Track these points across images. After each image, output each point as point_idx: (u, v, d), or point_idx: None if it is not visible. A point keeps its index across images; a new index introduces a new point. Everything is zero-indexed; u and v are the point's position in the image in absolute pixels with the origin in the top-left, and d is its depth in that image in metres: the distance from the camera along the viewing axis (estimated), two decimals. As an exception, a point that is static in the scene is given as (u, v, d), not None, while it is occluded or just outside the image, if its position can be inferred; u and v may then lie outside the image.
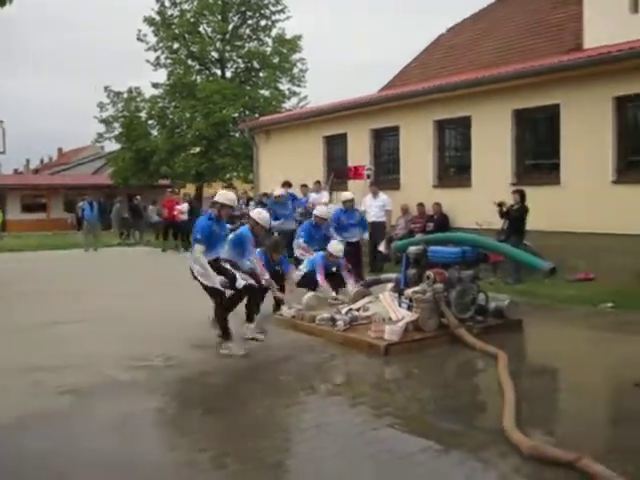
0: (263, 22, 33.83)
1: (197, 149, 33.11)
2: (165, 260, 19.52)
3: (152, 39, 33.34)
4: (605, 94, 12.59)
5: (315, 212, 11.25)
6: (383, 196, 15.41)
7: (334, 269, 10.05)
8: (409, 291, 8.43)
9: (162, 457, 4.85)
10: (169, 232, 22.27)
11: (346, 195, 12.54)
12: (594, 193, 12.68)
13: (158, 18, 32.93)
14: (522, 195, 12.86)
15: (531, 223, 12.80)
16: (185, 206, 21.55)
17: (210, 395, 6.31)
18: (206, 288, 7.65)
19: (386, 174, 17.67)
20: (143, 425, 5.49)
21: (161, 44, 33.43)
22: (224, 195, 8.01)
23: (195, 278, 7.72)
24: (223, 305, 7.68)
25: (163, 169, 32.56)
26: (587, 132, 12.84)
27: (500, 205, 12.85)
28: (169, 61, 33.73)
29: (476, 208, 14.15)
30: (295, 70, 34.07)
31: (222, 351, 7.55)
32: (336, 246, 10.06)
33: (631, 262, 12.03)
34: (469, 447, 4.80)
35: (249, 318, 8.18)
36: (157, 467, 4.64)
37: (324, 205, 14.69)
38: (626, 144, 12.60)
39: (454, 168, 16.40)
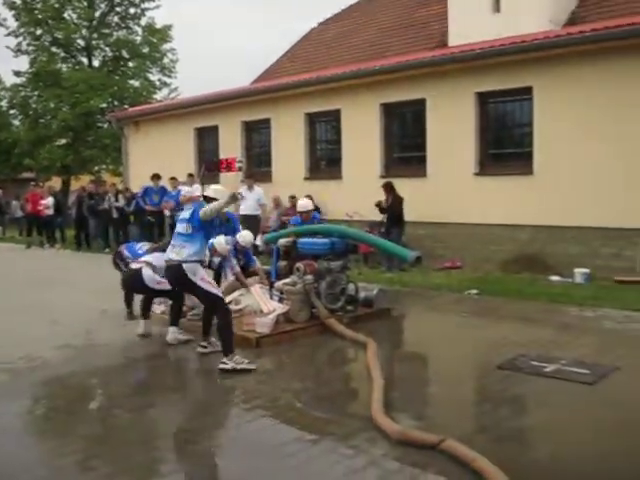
0: (132, 10, 32.84)
1: (63, 140, 31.82)
2: (29, 257, 18.57)
3: (13, 24, 31.62)
4: (468, 90, 13.10)
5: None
6: (258, 189, 15.27)
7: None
8: (280, 283, 8.44)
9: (27, 461, 4.58)
10: (33, 228, 21.22)
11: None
12: (458, 185, 13.17)
13: (19, 1, 31.20)
14: (390, 187, 13.17)
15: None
16: (50, 200, 20.55)
17: (76, 397, 6.04)
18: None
19: (258, 166, 17.64)
20: (5, 430, 5.16)
21: (23, 29, 31.68)
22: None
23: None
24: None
25: (26, 161, 31.15)
26: (451, 126, 13.31)
27: (378, 205, 13.11)
28: (32, 48, 32.09)
29: (347, 200, 14.39)
30: (166, 60, 33.36)
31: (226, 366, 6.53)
32: (246, 236, 9.01)
33: (495, 250, 12.62)
34: (340, 435, 4.83)
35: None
36: (24, 471, 4.37)
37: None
38: (487, 137, 13.17)
39: (325, 161, 16.57)
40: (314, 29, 23.62)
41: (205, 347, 7.14)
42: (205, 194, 7.29)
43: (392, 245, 8.88)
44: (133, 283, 7.93)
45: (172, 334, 7.57)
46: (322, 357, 7.53)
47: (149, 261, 7.77)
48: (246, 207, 14.77)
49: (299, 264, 8.15)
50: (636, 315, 8.68)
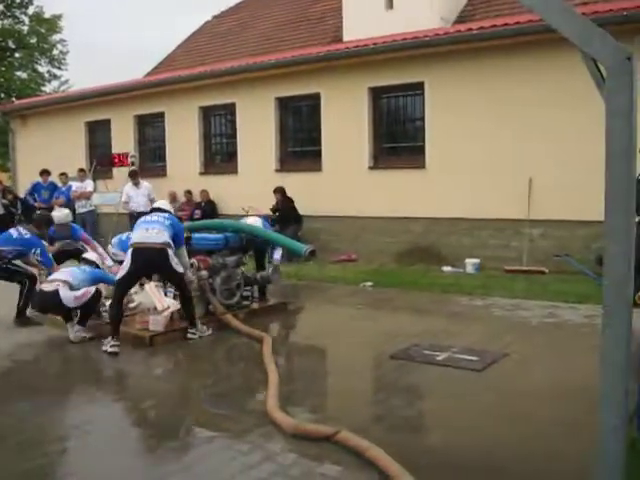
0: (18, -2, 31.52)
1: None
2: None
3: None
4: (361, 85, 13.27)
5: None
6: (146, 184, 14.85)
7: None
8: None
9: None
10: None
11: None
12: (353, 178, 13.32)
13: None
14: (279, 191, 13.35)
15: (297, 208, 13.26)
16: None
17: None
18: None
19: (152, 161, 17.31)
20: None
21: None
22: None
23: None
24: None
25: None
26: (346, 120, 13.45)
27: (273, 211, 13.34)
28: None
29: (243, 194, 14.28)
30: (55, 52, 32.16)
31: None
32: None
33: (389, 243, 12.86)
34: (236, 431, 4.77)
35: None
36: None
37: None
38: (381, 132, 13.38)
39: (221, 155, 16.41)
40: (209, 22, 23.32)
41: (194, 333, 7.46)
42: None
43: (286, 239, 8.88)
44: (48, 306, 7.47)
45: (77, 332, 7.34)
46: (218, 353, 7.44)
47: (66, 280, 7.42)
48: (137, 204, 14.34)
49: (193, 259, 8.02)
50: (523, 303, 9.03)
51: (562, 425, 4.77)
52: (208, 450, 4.48)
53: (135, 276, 7.30)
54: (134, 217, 13.89)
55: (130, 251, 7.17)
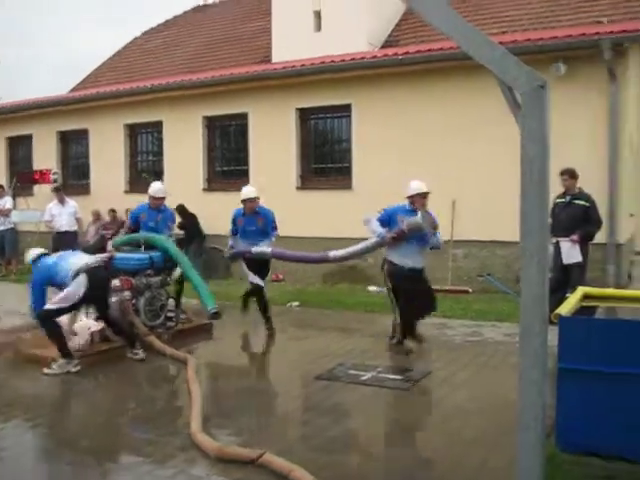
0: None
1: None
2: None
3: None
4: (289, 105, 13.34)
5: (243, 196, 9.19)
6: (72, 202, 14.36)
7: None
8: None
9: None
10: None
11: (245, 192, 9.24)
12: (281, 198, 13.29)
13: None
14: (181, 209, 13.28)
15: (220, 228, 13.11)
16: None
17: None
18: None
19: (76, 179, 16.94)
20: None
21: None
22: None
23: None
24: None
25: None
26: (273, 141, 13.49)
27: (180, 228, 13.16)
28: None
29: (170, 213, 14.07)
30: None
31: None
32: None
33: (313, 263, 12.87)
34: (160, 456, 4.68)
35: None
36: None
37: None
38: (308, 153, 13.47)
39: (146, 173, 16.17)
40: (137, 38, 23.02)
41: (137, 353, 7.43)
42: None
43: (202, 287, 8.16)
44: None
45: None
46: (141, 376, 7.27)
47: None
48: (60, 224, 13.84)
49: (115, 280, 7.86)
50: (448, 322, 9.19)
51: (486, 441, 4.86)
52: (130, 477, 4.38)
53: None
54: (57, 236, 13.59)
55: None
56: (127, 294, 7.90)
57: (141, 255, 8.35)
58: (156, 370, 7.34)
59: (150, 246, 8.61)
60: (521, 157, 2.85)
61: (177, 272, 8.70)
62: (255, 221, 9.00)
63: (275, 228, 9.12)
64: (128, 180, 15.82)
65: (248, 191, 9.15)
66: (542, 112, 2.83)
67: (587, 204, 8.66)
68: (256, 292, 8.97)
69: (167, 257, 8.50)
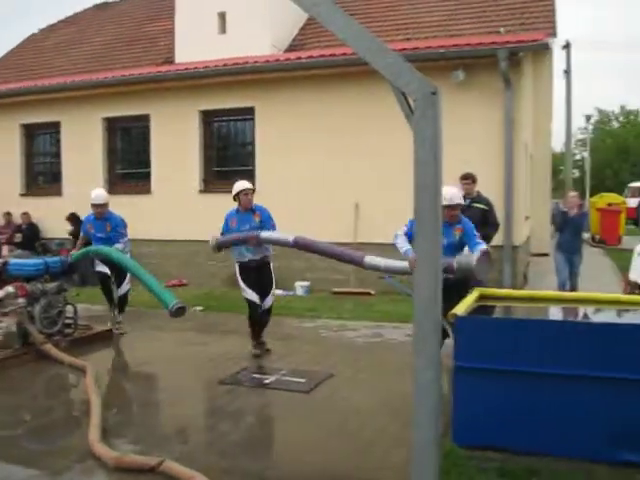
0: None
1: None
2: None
3: None
4: (192, 108, 13.21)
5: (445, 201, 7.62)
6: None
7: None
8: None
9: None
10: None
11: (239, 186, 8.34)
12: (183, 202, 13.18)
13: None
14: (74, 218, 13.20)
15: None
16: None
17: None
18: None
19: (-32, 181, 16.18)
20: None
21: None
22: None
23: None
24: None
25: None
26: (176, 143, 13.32)
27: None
28: None
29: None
30: None
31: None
32: None
33: (220, 267, 12.77)
34: (56, 468, 4.54)
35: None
36: None
37: None
38: (211, 155, 13.36)
39: (44, 176, 15.67)
40: (34, 35, 22.23)
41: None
42: None
43: (158, 287, 7.76)
44: None
45: None
46: (39, 386, 7.01)
47: None
48: None
49: (9, 287, 7.56)
50: (350, 323, 9.30)
51: (385, 440, 4.94)
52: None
53: None
54: None
55: None
56: (22, 301, 7.61)
57: (36, 260, 8.08)
58: (54, 379, 7.12)
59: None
60: (414, 161, 2.91)
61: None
62: (252, 218, 8.06)
63: (274, 226, 8.15)
64: (24, 183, 15.25)
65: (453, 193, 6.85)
66: (434, 117, 2.90)
67: (486, 207, 8.94)
68: (253, 314, 7.90)
69: (64, 263, 8.28)
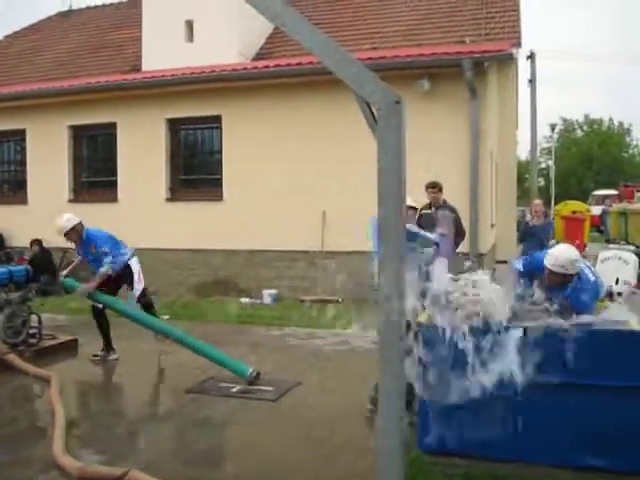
0: None
1: None
2: None
3: None
4: (159, 116, 13.16)
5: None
6: None
7: None
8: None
9: None
10: None
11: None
12: (150, 210, 13.11)
13: None
14: (37, 244, 13.17)
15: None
16: None
17: None
18: None
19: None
20: None
21: None
22: None
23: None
24: None
25: None
26: (143, 151, 13.26)
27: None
28: None
29: (33, 226, 13.49)
30: None
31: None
32: None
33: (187, 275, 12.75)
34: (20, 478, 4.50)
35: None
36: None
37: None
38: (178, 164, 13.33)
39: (9, 184, 15.48)
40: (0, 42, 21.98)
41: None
42: None
43: (227, 359, 7.10)
44: None
45: None
46: (2, 396, 6.89)
47: None
48: None
49: (-30, 296, 7.46)
50: (317, 331, 9.31)
51: (352, 447, 4.97)
52: (-16, 502, 4.17)
53: None
54: None
55: None
56: (-18, 310, 7.51)
57: (0, 270, 7.95)
58: (18, 389, 7.01)
59: None
60: (377, 170, 2.94)
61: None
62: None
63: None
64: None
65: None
66: (398, 127, 2.93)
67: (452, 215, 9.06)
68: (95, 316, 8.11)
69: (29, 272, 8.16)
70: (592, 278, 5.26)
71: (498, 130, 15.71)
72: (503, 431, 4.42)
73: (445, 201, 9.17)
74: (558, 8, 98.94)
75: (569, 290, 5.17)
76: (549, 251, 5.32)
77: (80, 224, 7.89)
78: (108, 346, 8.12)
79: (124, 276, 8.09)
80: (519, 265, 5.65)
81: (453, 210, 9.09)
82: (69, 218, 7.87)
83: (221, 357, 7.00)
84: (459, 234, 9.12)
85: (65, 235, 7.83)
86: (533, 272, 5.41)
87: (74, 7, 21.89)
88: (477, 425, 4.46)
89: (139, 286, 8.15)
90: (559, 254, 5.13)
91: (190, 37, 15.22)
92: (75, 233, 7.84)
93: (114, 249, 7.93)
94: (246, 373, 6.69)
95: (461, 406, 4.50)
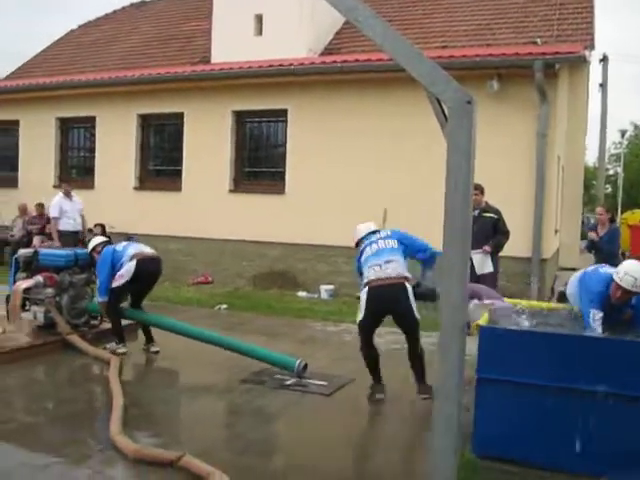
0: None
1: None
2: None
3: None
4: (226, 107, 13.29)
5: None
6: (77, 198, 12.29)
7: None
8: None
9: None
10: None
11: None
12: (213, 200, 13.27)
13: None
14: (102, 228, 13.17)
15: (151, 227, 13.03)
16: None
17: None
18: None
19: (3, 171, 16.53)
20: None
21: None
22: None
23: None
24: None
25: None
26: (208, 142, 13.41)
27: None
28: None
29: (100, 211, 13.82)
30: None
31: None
32: None
33: (246, 266, 12.87)
34: (75, 457, 4.59)
35: None
36: None
37: None
38: (243, 156, 13.44)
39: (77, 169, 15.87)
40: (73, 31, 22.53)
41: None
42: None
43: (273, 354, 7.06)
44: None
45: None
46: (63, 375, 7.10)
47: None
48: (67, 222, 11.68)
49: (38, 276, 7.67)
50: (377, 330, 9.25)
51: (404, 446, 4.94)
52: (45, 477, 4.27)
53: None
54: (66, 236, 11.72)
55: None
56: (50, 291, 7.72)
57: (66, 252, 8.15)
58: (78, 370, 7.20)
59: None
60: (446, 168, 2.92)
61: None
62: None
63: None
64: (58, 175, 15.44)
65: None
66: (468, 126, 2.90)
67: (496, 216, 9.04)
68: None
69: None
70: None
71: (566, 135, 15.38)
72: (559, 440, 4.34)
73: (487, 203, 9.11)
74: (631, 10, 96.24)
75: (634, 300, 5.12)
76: (622, 269, 5.10)
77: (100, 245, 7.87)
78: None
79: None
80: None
81: (497, 212, 9.04)
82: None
83: (267, 354, 7.00)
84: (503, 235, 9.07)
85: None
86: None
87: (147, -1, 22.27)
88: (533, 432, 4.40)
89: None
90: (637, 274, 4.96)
91: (259, 31, 15.32)
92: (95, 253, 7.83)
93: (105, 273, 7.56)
94: (294, 365, 6.69)
95: (517, 412, 4.44)
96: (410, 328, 6.01)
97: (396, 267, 6.00)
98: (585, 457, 4.30)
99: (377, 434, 5.23)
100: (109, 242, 8.11)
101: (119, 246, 7.67)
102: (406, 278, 5.97)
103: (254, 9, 14.96)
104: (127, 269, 7.34)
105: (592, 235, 10.30)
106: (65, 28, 22.83)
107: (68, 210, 11.71)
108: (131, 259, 7.39)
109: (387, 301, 5.92)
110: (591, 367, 4.31)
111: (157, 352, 7.78)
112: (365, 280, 6.03)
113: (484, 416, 4.55)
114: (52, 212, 11.79)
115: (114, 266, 7.41)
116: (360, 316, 6.07)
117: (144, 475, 4.31)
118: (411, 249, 6.28)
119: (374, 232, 6.53)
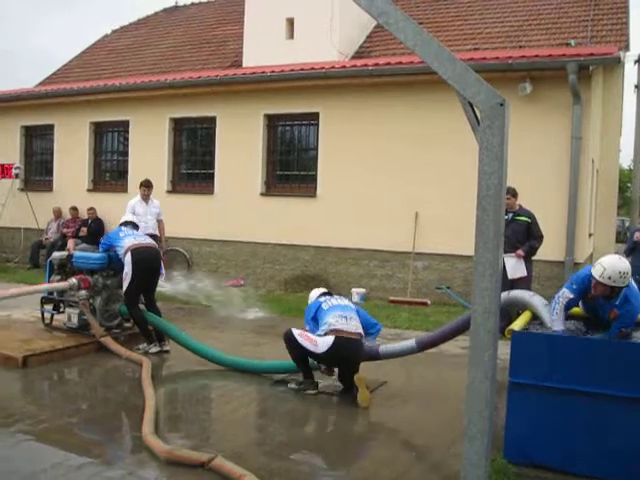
0: None
1: None
2: None
3: None
4: (258, 111, 13.35)
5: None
6: (156, 201, 11.83)
7: None
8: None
9: None
10: None
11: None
12: (245, 204, 13.32)
13: None
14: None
15: (184, 231, 13.12)
16: None
17: None
18: None
19: (39, 175, 16.71)
20: None
21: None
22: None
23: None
24: None
25: None
26: (240, 145, 13.46)
27: None
28: None
29: (132, 214, 13.97)
30: None
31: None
32: None
33: (278, 270, 12.91)
34: (108, 457, 4.65)
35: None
36: None
37: None
38: (275, 159, 13.48)
39: (111, 173, 16.05)
40: (107, 36, 22.83)
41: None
42: None
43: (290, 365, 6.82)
44: None
45: None
46: (97, 377, 7.19)
47: None
48: (145, 225, 11.14)
49: (73, 278, 7.77)
50: (405, 333, 9.23)
51: (436, 450, 4.91)
52: (78, 477, 4.32)
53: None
54: None
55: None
56: (84, 293, 7.82)
57: (100, 255, 8.24)
58: (111, 371, 7.26)
59: None
60: (478, 171, 2.90)
61: None
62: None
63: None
64: (92, 179, 15.64)
65: None
66: (501, 129, 2.88)
67: (529, 220, 9.00)
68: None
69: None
70: None
71: (600, 137, 15.18)
72: (594, 446, 4.28)
73: (521, 206, 9.06)
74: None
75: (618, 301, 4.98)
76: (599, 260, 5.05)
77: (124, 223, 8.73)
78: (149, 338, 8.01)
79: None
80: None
81: (530, 216, 8.99)
82: None
83: (286, 365, 6.89)
84: (537, 239, 9.04)
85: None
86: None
87: (179, 3, 22.49)
88: (566, 439, 4.34)
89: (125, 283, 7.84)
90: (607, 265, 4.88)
91: (290, 34, 15.38)
92: None
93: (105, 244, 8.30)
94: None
95: (550, 418, 4.39)
96: (352, 371, 6.28)
97: (357, 324, 6.37)
98: (620, 464, 4.23)
99: (407, 438, 5.19)
100: (131, 223, 8.72)
101: (122, 232, 8.18)
102: (362, 335, 6.38)
103: (286, 13, 15.05)
104: (126, 269, 7.72)
105: (638, 236, 10.13)
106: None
107: (141, 213, 11.37)
108: (125, 252, 7.74)
109: (350, 351, 6.20)
110: (625, 373, 4.25)
111: (167, 351, 7.88)
112: (331, 327, 6.21)
113: (516, 421, 4.50)
114: (126, 214, 10.91)
115: (111, 244, 8.07)
116: (320, 351, 6.17)
117: (176, 476, 4.33)
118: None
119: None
